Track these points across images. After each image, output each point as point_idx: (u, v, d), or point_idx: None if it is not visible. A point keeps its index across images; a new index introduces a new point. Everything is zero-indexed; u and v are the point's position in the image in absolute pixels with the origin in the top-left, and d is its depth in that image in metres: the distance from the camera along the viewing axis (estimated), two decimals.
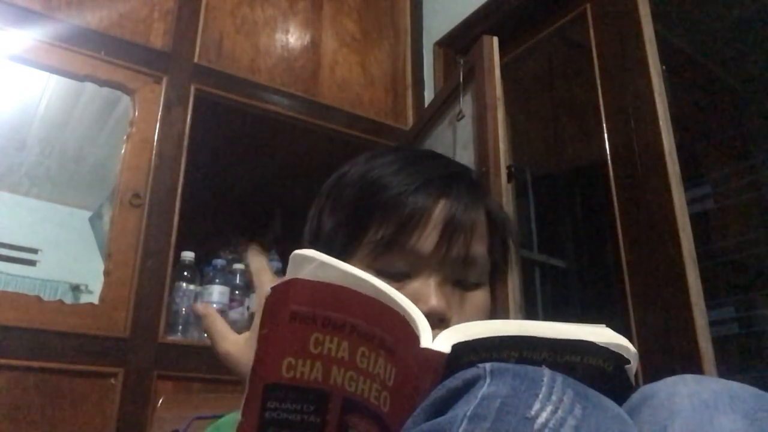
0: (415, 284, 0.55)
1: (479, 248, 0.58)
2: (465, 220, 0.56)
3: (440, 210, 0.56)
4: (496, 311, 0.63)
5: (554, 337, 0.36)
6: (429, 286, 0.55)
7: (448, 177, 0.59)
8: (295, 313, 0.40)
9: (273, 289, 0.42)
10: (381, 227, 0.56)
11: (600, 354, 0.37)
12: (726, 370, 1.44)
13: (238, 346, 0.50)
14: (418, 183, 0.57)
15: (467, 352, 0.35)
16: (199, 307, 0.56)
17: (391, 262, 0.55)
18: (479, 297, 0.59)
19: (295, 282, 0.41)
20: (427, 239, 0.55)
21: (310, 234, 0.63)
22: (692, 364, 1.13)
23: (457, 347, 0.35)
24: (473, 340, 0.35)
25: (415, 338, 0.36)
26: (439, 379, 0.34)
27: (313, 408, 0.41)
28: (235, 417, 0.62)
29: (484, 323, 0.37)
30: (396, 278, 0.55)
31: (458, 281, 0.58)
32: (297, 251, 0.43)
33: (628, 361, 0.38)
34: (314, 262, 0.41)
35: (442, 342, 0.35)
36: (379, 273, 0.55)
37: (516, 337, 0.36)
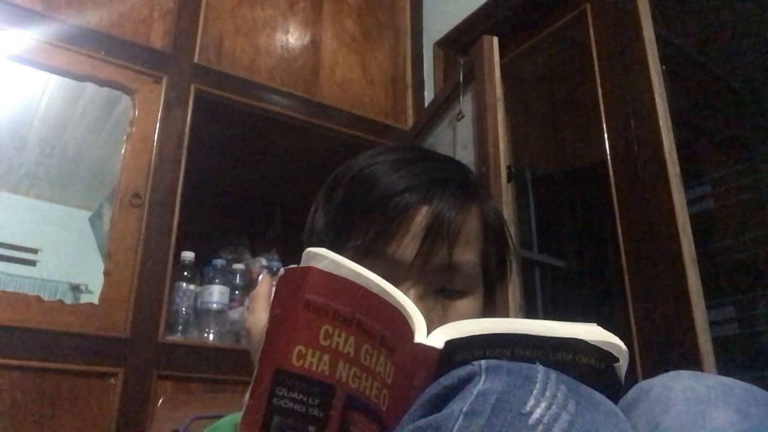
0: None
1: (466, 255, 0.56)
2: (448, 226, 0.54)
3: (422, 216, 0.54)
4: (496, 314, 0.62)
5: (546, 335, 0.37)
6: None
7: (435, 181, 0.56)
8: (309, 301, 0.41)
9: (287, 270, 0.43)
10: (363, 232, 0.55)
11: (591, 352, 0.37)
12: (726, 370, 1.44)
13: (257, 327, 0.52)
14: (402, 187, 0.55)
15: (461, 350, 0.35)
16: (262, 277, 0.58)
17: (371, 269, 0.53)
18: (465, 306, 0.56)
19: (312, 270, 0.42)
20: (407, 247, 0.54)
21: (307, 232, 0.63)
22: (692, 364, 1.13)
23: (450, 344, 0.35)
24: (467, 338, 0.36)
25: (411, 334, 0.36)
26: (433, 376, 0.34)
27: (318, 401, 0.41)
28: (233, 419, 0.62)
29: (478, 321, 0.37)
30: None
31: (442, 289, 0.56)
32: (309, 249, 0.44)
33: (618, 359, 0.38)
34: (324, 260, 0.43)
35: (436, 338, 0.35)
36: None
37: (509, 335, 0.36)
